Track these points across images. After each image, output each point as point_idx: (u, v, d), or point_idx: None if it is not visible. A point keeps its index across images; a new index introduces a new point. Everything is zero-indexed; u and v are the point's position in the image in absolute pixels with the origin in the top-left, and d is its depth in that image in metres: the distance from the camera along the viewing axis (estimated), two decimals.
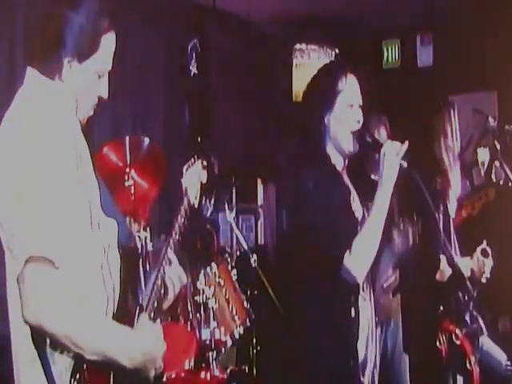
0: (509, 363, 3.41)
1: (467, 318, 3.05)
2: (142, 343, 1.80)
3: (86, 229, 1.82)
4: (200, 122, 5.43)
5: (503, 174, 3.69)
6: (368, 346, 2.56)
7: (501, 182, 3.94)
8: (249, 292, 4.25)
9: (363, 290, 2.55)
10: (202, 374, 3.66)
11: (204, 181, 2.40)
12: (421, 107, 3.95)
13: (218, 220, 5.40)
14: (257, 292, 4.38)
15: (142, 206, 3.66)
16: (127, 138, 3.70)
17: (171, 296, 2.13)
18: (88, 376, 1.74)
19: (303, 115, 2.67)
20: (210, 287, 3.80)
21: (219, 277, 3.90)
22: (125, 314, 1.87)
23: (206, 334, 3.75)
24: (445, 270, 3.11)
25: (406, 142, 2.42)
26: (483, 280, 3.29)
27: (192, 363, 3.56)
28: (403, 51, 6.52)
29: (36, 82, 1.84)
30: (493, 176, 4.13)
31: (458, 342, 3.02)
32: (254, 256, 4.25)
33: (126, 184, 3.62)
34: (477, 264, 3.31)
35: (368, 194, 2.49)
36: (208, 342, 3.75)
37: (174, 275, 2.14)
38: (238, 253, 4.73)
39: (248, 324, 3.96)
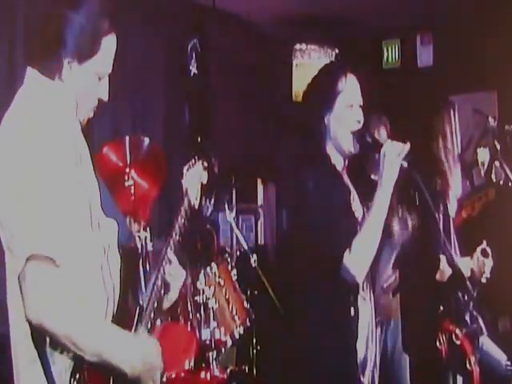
0: (509, 363, 3.41)
1: (467, 318, 3.05)
2: (144, 352, 1.80)
3: (86, 228, 1.82)
4: (200, 122, 5.43)
5: (503, 174, 3.69)
6: (368, 345, 2.56)
7: (501, 182, 3.94)
8: (249, 292, 4.25)
9: (363, 290, 2.55)
10: (202, 374, 3.66)
11: (205, 181, 2.40)
12: (421, 107, 3.95)
13: (218, 220, 5.41)
14: (257, 292, 4.38)
15: (142, 206, 3.66)
16: (127, 138, 3.70)
17: (172, 296, 2.14)
18: (88, 376, 1.74)
19: (303, 115, 2.67)
20: (210, 287, 3.80)
21: (219, 277, 3.90)
22: (125, 315, 1.87)
23: (206, 334, 3.75)
24: (445, 270, 3.10)
25: (408, 144, 2.42)
26: (483, 280, 3.29)
27: (192, 363, 3.55)
28: (403, 51, 6.52)
29: (36, 81, 1.84)
30: (493, 176, 4.13)
31: (458, 342, 3.02)
32: (254, 256, 4.25)
33: (126, 184, 3.62)
34: (477, 264, 3.31)
35: (368, 194, 2.49)
36: (208, 342, 3.75)
37: (174, 275, 2.14)
38: (238, 253, 4.74)
39: (248, 324, 3.96)
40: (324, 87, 2.58)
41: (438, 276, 3.13)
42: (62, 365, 1.75)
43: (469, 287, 2.74)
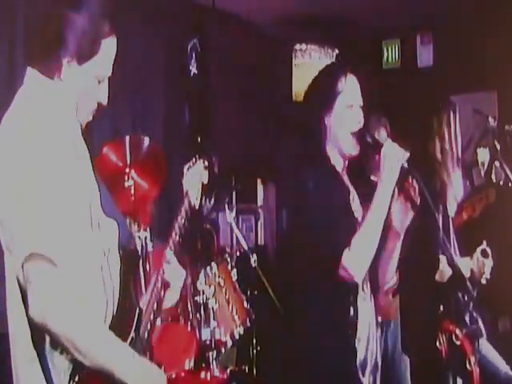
0: (508, 367, 3.42)
1: (467, 318, 3.04)
2: (146, 371, 1.81)
3: (86, 229, 1.82)
4: (200, 122, 5.43)
5: (503, 175, 3.69)
6: (368, 346, 2.56)
7: (501, 183, 3.93)
8: (249, 292, 4.25)
9: (363, 290, 2.55)
10: (202, 374, 3.66)
11: (205, 181, 2.40)
12: (421, 107, 3.94)
13: (217, 220, 5.40)
14: (257, 292, 4.38)
15: (142, 206, 3.66)
16: (127, 138, 3.70)
17: (174, 297, 2.14)
18: (87, 379, 1.74)
19: (303, 116, 2.67)
20: (210, 287, 3.80)
21: (219, 277, 3.90)
22: (125, 315, 1.87)
23: (206, 334, 3.75)
24: (444, 271, 3.10)
25: (408, 152, 2.43)
26: (483, 281, 3.29)
27: (192, 363, 3.56)
28: (403, 51, 6.51)
29: (36, 81, 1.84)
30: (493, 176, 4.13)
31: (458, 343, 3.01)
32: (254, 256, 4.25)
33: (126, 184, 3.62)
34: (477, 264, 3.30)
35: (368, 195, 2.49)
36: (208, 342, 3.75)
37: (174, 275, 2.14)
38: (238, 253, 4.73)
39: (248, 324, 3.96)
40: (324, 88, 2.59)
41: (437, 276, 3.13)
42: (61, 365, 1.75)
43: (469, 288, 2.74)
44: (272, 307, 3.97)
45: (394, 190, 2.46)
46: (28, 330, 1.73)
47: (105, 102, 1.93)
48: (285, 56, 6.35)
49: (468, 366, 2.97)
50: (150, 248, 3.14)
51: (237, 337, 3.87)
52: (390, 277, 2.64)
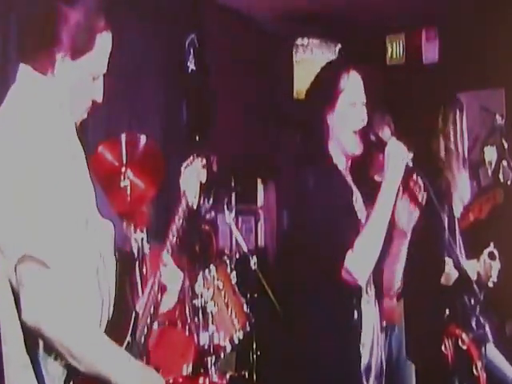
0: None
1: (473, 322, 3.04)
2: (144, 376, 1.81)
3: (81, 230, 1.82)
4: (198, 120, 5.43)
5: (511, 174, 3.69)
6: (373, 351, 2.56)
7: (508, 182, 3.94)
8: (248, 295, 4.25)
9: (367, 293, 2.55)
10: (201, 380, 3.66)
11: (203, 180, 2.40)
12: (426, 105, 3.94)
13: (216, 221, 5.40)
14: (257, 295, 4.38)
15: (139, 206, 3.66)
16: (123, 136, 3.70)
17: (171, 300, 2.14)
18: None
19: (305, 114, 2.67)
20: (208, 290, 3.80)
21: (218, 280, 3.90)
22: (121, 319, 1.87)
23: (204, 339, 3.75)
24: (450, 273, 3.10)
25: (411, 153, 2.43)
26: (490, 284, 3.29)
27: (190, 369, 3.56)
28: (408, 47, 6.51)
29: (29, 78, 1.85)
30: (500, 176, 4.13)
31: (465, 347, 3.01)
32: (254, 258, 4.25)
33: (122, 184, 3.62)
34: (483, 267, 3.30)
35: (372, 194, 2.49)
36: (206, 347, 3.75)
37: (172, 278, 2.14)
38: (238, 255, 4.74)
39: (248, 328, 3.97)
40: (326, 85, 2.59)
41: (443, 279, 3.13)
42: (55, 372, 1.75)
43: (475, 291, 2.74)
44: (272, 311, 3.97)
45: (398, 190, 2.46)
46: (21, 335, 1.73)
47: (100, 99, 1.93)
48: (286, 52, 6.35)
49: (475, 371, 2.97)
50: (146, 250, 3.15)
51: (236, 341, 3.87)
52: (398, 278, 2.64)
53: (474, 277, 3.19)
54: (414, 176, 2.44)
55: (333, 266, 2.42)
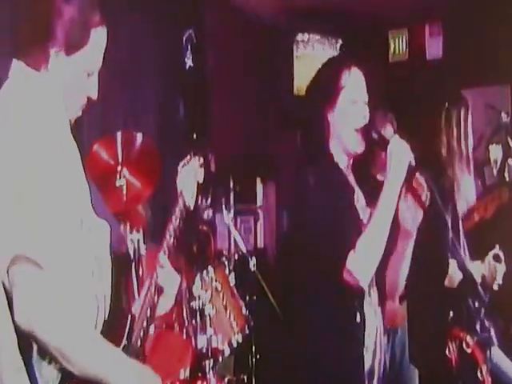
0: None
1: (478, 326, 3.05)
2: (141, 377, 1.81)
3: (76, 231, 1.82)
4: (196, 118, 5.43)
5: None
6: (375, 354, 2.56)
7: None
8: (247, 297, 4.26)
9: (369, 295, 2.55)
10: None
11: (200, 180, 2.40)
12: (430, 102, 3.95)
13: (214, 221, 5.41)
14: (256, 297, 4.39)
15: (135, 206, 3.66)
16: (119, 134, 3.71)
17: (168, 303, 2.14)
18: None
19: (305, 111, 2.68)
20: (206, 292, 3.80)
21: (216, 281, 3.90)
22: (116, 322, 1.88)
23: (202, 342, 3.75)
24: (454, 276, 3.10)
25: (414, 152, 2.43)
26: (495, 287, 3.28)
27: (187, 373, 3.56)
28: (411, 42, 6.51)
29: (22, 74, 1.85)
30: (506, 175, 4.13)
31: (469, 351, 3.02)
32: (253, 259, 4.26)
33: (118, 183, 3.63)
34: (488, 269, 3.30)
35: (374, 194, 2.50)
36: (204, 351, 3.75)
37: (169, 280, 2.14)
38: (236, 256, 4.74)
39: (247, 331, 3.97)
40: (327, 82, 2.59)
41: (446, 282, 3.13)
42: (49, 375, 1.75)
43: (480, 293, 2.74)
44: (272, 313, 3.98)
45: (401, 189, 2.46)
46: (15, 338, 1.73)
47: (95, 96, 1.93)
48: (286, 47, 6.34)
49: (479, 375, 2.98)
50: (142, 251, 3.15)
51: (235, 345, 3.87)
52: (403, 279, 2.64)
53: (478, 279, 3.20)
54: (417, 175, 2.45)
55: (334, 268, 2.43)
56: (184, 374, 3.55)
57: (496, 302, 3.16)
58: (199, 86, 5.53)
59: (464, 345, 3.02)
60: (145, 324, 2.05)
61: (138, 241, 3.08)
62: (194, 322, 3.77)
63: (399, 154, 2.43)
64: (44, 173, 1.73)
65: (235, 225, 5.32)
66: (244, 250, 4.35)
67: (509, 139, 3.67)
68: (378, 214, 2.44)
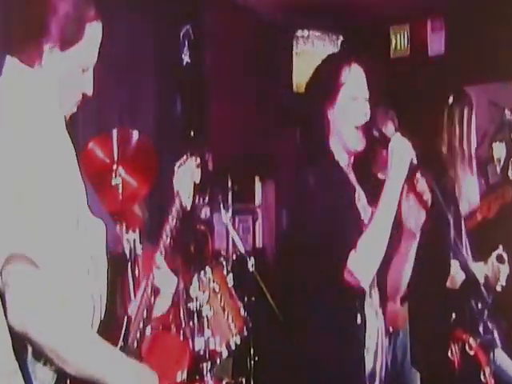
0: None
1: (481, 327, 3.05)
2: (139, 376, 1.81)
3: (71, 229, 1.82)
4: (193, 116, 5.43)
5: None
6: (377, 356, 2.56)
7: None
8: (246, 298, 4.26)
9: (370, 296, 2.55)
10: None
11: (197, 180, 2.40)
12: (432, 99, 3.95)
13: (212, 221, 5.41)
14: (254, 298, 4.39)
15: (131, 206, 3.66)
16: (114, 132, 3.70)
17: (165, 304, 2.14)
18: None
19: (304, 108, 2.68)
20: (203, 293, 3.81)
21: (214, 282, 3.90)
22: (112, 323, 1.88)
23: (199, 344, 3.76)
24: (456, 276, 3.11)
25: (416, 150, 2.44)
26: (498, 288, 3.29)
27: (185, 375, 3.56)
28: (412, 38, 6.51)
29: (15, 71, 1.85)
30: (509, 173, 4.13)
31: (472, 353, 3.02)
32: (252, 260, 4.26)
33: (113, 182, 3.62)
34: (491, 270, 3.30)
35: (375, 192, 2.50)
36: (202, 353, 3.75)
37: (165, 281, 2.14)
38: (235, 256, 4.74)
39: (245, 333, 3.97)
40: (327, 78, 2.59)
41: (448, 283, 3.13)
42: (44, 377, 1.75)
43: (483, 295, 2.74)
44: (271, 314, 3.98)
45: (402, 188, 2.46)
46: (9, 340, 1.73)
47: (90, 92, 1.93)
48: (285, 44, 6.34)
49: (482, 378, 2.98)
50: (139, 251, 3.14)
51: (233, 347, 3.88)
52: (406, 280, 2.64)
53: (481, 280, 3.20)
54: (419, 173, 2.45)
55: (335, 268, 2.43)
56: (181, 376, 3.54)
57: (499, 304, 3.16)
58: (197, 83, 5.53)
59: (467, 347, 3.02)
60: (141, 325, 2.05)
61: (134, 241, 3.07)
62: (191, 323, 3.77)
63: (400, 152, 2.43)
64: (39, 170, 1.73)
65: (233, 224, 5.32)
66: (242, 250, 4.35)
67: None
68: (379, 213, 2.45)
